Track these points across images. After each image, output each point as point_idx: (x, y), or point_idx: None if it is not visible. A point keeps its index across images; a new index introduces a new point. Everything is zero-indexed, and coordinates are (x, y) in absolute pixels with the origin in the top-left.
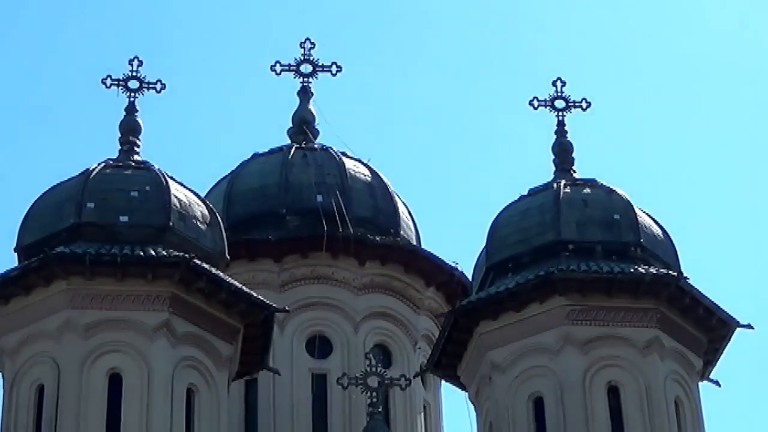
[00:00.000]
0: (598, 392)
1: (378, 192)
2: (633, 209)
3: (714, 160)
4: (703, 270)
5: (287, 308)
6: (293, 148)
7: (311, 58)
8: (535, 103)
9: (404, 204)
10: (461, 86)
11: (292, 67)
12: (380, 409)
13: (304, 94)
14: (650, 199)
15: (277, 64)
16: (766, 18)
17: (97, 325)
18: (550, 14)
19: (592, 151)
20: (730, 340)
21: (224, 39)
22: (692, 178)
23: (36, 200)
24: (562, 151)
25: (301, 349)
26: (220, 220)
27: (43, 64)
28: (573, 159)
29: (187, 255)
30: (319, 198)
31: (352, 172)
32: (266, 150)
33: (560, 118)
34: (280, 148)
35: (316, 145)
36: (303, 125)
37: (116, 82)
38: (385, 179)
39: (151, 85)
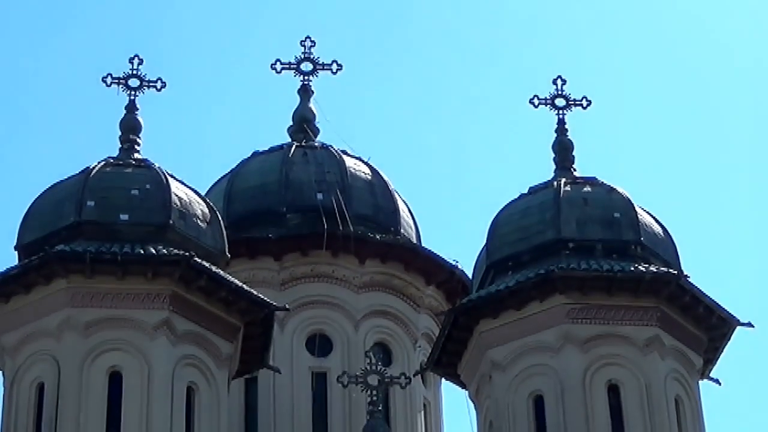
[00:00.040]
0: (599, 391)
1: (378, 190)
2: (633, 207)
3: (714, 159)
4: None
5: (287, 306)
6: (293, 147)
7: (311, 57)
8: (536, 101)
9: (404, 202)
10: (461, 84)
11: (292, 66)
12: (380, 408)
13: (305, 92)
14: (650, 197)
15: (278, 62)
16: (767, 17)
17: (98, 323)
18: (551, 13)
19: (592, 150)
20: (730, 338)
21: (225, 37)
22: (692, 176)
23: (36, 198)
24: (563, 150)
25: (302, 348)
26: (220, 218)
27: (44, 62)
28: (573, 157)
29: (187, 253)
30: (320, 196)
31: (353, 171)
32: (266, 148)
33: (560, 116)
34: (281, 147)
35: (316, 144)
36: (303, 123)
37: (117, 81)
38: (385, 177)
39: (151, 84)
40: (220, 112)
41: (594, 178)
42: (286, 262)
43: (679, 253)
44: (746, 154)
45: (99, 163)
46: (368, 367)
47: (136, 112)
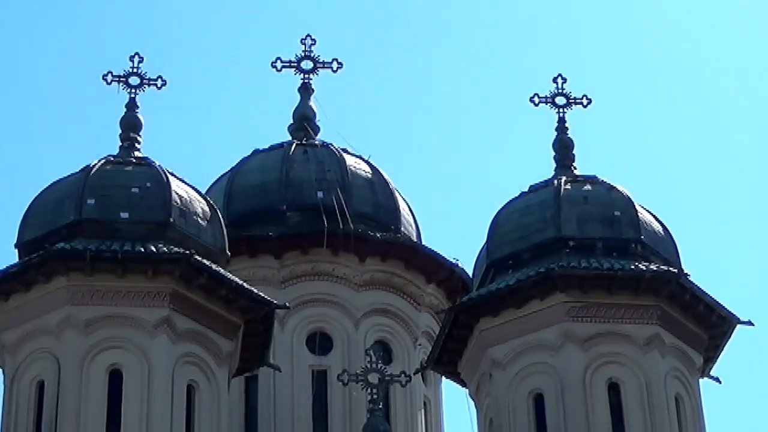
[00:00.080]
0: (599, 389)
1: (378, 188)
2: (633, 206)
3: (714, 157)
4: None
5: (288, 305)
6: (294, 145)
7: (312, 55)
8: (536, 99)
9: (405, 200)
10: (462, 83)
11: (292, 64)
12: (380, 406)
13: (305, 90)
14: (651, 195)
15: (278, 61)
16: (767, 15)
17: (98, 321)
18: (551, 11)
19: (592, 148)
20: (730, 336)
21: (225, 35)
22: (693, 174)
23: (36, 196)
24: (563, 148)
25: (302, 346)
26: (220, 216)
27: (44, 60)
28: (573, 156)
29: (187, 251)
30: (320, 194)
31: (353, 169)
32: (267, 146)
33: (561, 114)
34: (281, 145)
35: (316, 142)
36: (304, 122)
37: (117, 79)
38: (385, 175)
39: (151, 82)
40: (221, 111)
41: (594, 177)
42: (287, 261)
43: (679, 252)
44: (746, 153)
45: (99, 161)
46: (368, 366)
47: (137, 110)
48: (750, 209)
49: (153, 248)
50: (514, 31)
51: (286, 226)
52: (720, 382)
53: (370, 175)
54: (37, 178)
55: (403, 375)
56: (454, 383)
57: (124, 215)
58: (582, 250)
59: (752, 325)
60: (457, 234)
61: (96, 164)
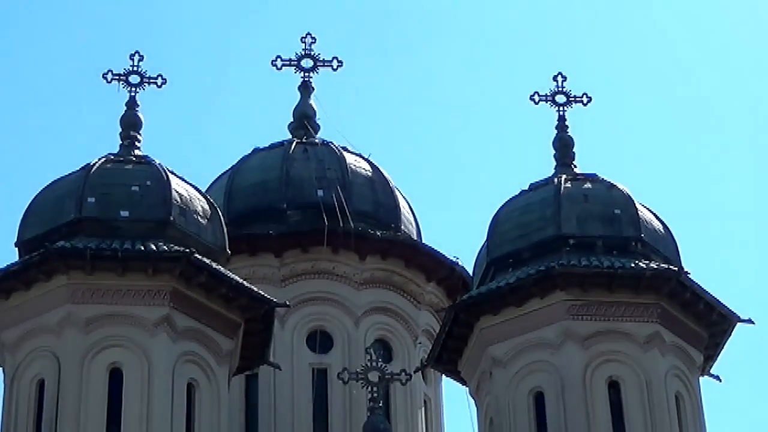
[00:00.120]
0: (599, 387)
1: (379, 187)
2: (634, 204)
3: (715, 155)
4: (703, 265)
5: (288, 303)
6: (294, 143)
7: (312, 53)
8: (536, 98)
9: (405, 199)
10: (462, 81)
11: (292, 62)
12: (381, 404)
13: (305, 88)
14: (651, 193)
15: (278, 59)
16: (767, 14)
17: (98, 319)
18: (551, 9)
19: (592, 146)
20: (730, 335)
21: (225, 34)
22: (693, 172)
23: (37, 195)
24: (563, 146)
25: (302, 344)
26: (220, 214)
27: (45, 59)
28: (574, 154)
29: (187, 250)
30: (320, 193)
31: (353, 167)
32: (267, 145)
33: (561, 113)
34: (281, 143)
35: (316, 140)
36: (304, 120)
37: (117, 77)
38: (385, 174)
39: (151, 80)
40: (221, 109)
41: (594, 175)
42: (287, 259)
43: (679, 250)
44: (747, 151)
45: (99, 159)
46: (369, 364)
47: (137, 109)
48: (750, 207)
49: (153, 247)
50: (514, 30)
51: (287, 224)
52: (720, 381)
53: (370, 174)
54: (38, 177)
55: (403, 373)
56: (455, 382)
57: (125, 214)
58: (582, 249)
59: (752, 323)
60: (457, 232)
61: (96, 163)
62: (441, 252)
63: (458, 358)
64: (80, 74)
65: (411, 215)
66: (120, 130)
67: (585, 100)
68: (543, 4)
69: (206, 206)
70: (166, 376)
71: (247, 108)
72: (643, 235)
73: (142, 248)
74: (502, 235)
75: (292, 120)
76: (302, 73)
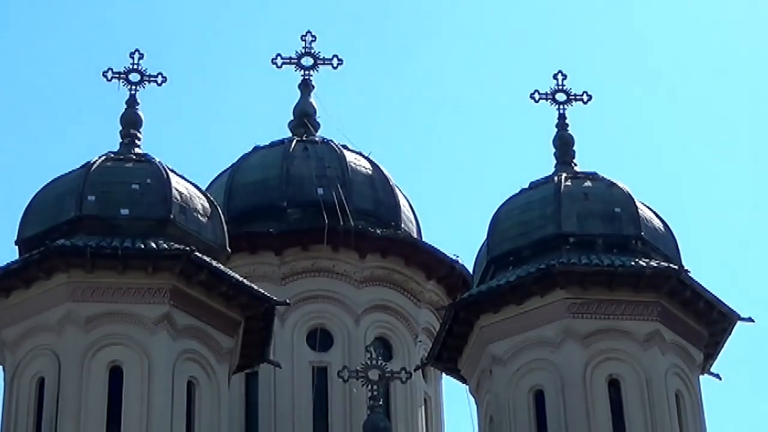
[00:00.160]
0: (599, 385)
1: (379, 185)
2: (634, 202)
3: (715, 153)
4: (704, 263)
5: (288, 301)
6: (294, 141)
7: (312, 51)
8: (536, 96)
9: (405, 197)
10: (462, 79)
11: (293, 60)
12: (381, 402)
13: (305, 87)
14: (651, 192)
15: (278, 57)
16: (767, 12)
17: (98, 317)
18: (551, 7)
19: (593, 145)
20: (731, 333)
21: (225, 32)
22: (693, 170)
23: (37, 193)
24: (563, 145)
25: (302, 342)
26: (220, 212)
27: (45, 56)
28: (574, 152)
29: (187, 248)
30: (320, 191)
31: (353, 165)
32: (267, 143)
33: (561, 111)
34: (281, 141)
35: (317, 138)
36: (304, 118)
37: (117, 75)
38: (385, 172)
39: (152, 78)
40: (221, 107)
41: (594, 173)
42: (287, 257)
43: (679, 248)
44: (747, 149)
45: (99, 157)
46: (369, 362)
47: (137, 107)
48: (750, 206)
49: (153, 245)
50: (515, 28)
51: (287, 222)
52: (720, 379)
53: (370, 172)
54: (38, 175)
55: (403, 371)
56: (455, 380)
57: (125, 212)
58: (582, 247)
59: (752, 321)
60: (458, 230)
61: (96, 161)
62: (441, 250)
63: (458, 356)
64: (80, 72)
65: (411, 213)
66: (120, 128)
67: (585, 98)
68: (543, 2)
69: (206, 204)
70: (166, 374)
71: (247, 106)
72: (643, 233)
73: (143, 246)
74: (502, 233)
75: (292, 118)
76: (302, 72)
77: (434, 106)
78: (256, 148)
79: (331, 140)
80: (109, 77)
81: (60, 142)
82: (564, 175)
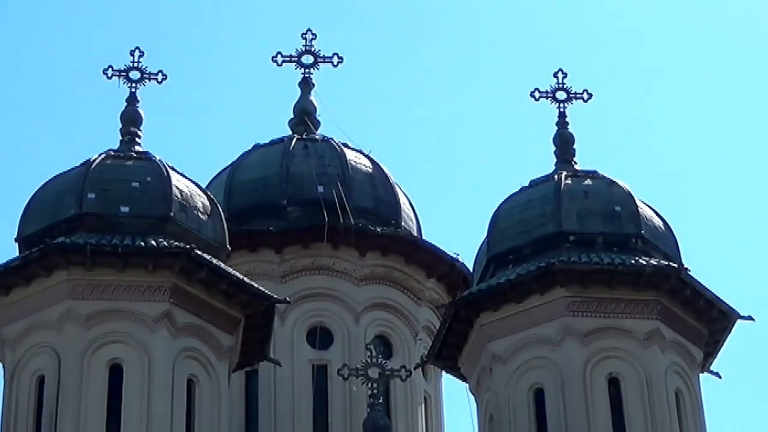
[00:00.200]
0: (599, 384)
1: (379, 183)
2: (634, 201)
3: (715, 152)
4: (704, 261)
5: (288, 299)
6: (294, 139)
7: (312, 49)
8: (537, 94)
9: (405, 195)
10: (462, 77)
11: (293, 58)
12: (381, 401)
13: (306, 85)
14: (651, 190)
15: (279, 55)
16: (766, 10)
17: (98, 315)
18: (552, 5)
19: (593, 143)
20: (730, 331)
21: (225, 30)
22: (693, 169)
23: (37, 190)
24: (563, 143)
25: (302, 340)
26: (221, 210)
27: (45, 54)
28: (574, 150)
29: (188, 246)
30: (320, 189)
31: (353, 163)
32: (267, 141)
33: (561, 109)
34: (281, 139)
35: (317, 136)
36: (304, 116)
37: (117, 73)
38: (386, 170)
39: (152, 76)
40: (221, 105)
41: (595, 172)
42: (287, 255)
43: (679, 247)
44: (747, 148)
45: (100, 155)
46: (369, 360)
47: (137, 105)
48: (750, 204)
49: (153, 242)
50: (515, 26)
51: (287, 220)
52: (720, 377)
53: (370, 170)
54: (38, 173)
55: (403, 370)
56: (455, 378)
57: (125, 209)
58: (582, 245)
59: (752, 320)
60: (458, 229)
61: (96, 158)
62: (441, 248)
63: (458, 354)
64: (81, 70)
65: (411, 211)
66: (120, 126)
67: (585, 96)
68: (544, 1)
69: (206, 202)
70: (166, 372)
71: (247, 104)
72: (643, 231)
73: (143, 244)
74: (502, 231)
75: (292, 116)
76: (303, 70)
77: (434, 104)
78: (256, 146)
79: (331, 138)
80: (110, 75)
81: (60, 140)
82: (564, 173)
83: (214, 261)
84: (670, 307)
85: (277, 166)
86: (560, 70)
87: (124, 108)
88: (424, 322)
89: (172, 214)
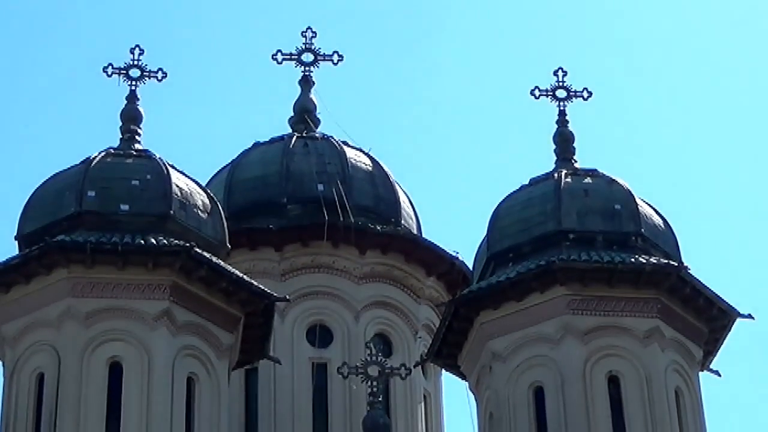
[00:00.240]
0: (599, 382)
1: (379, 181)
2: (634, 199)
3: (715, 150)
4: (703, 260)
5: (288, 297)
6: (294, 137)
7: (312, 47)
8: (537, 92)
9: (405, 193)
10: (462, 75)
11: (293, 56)
12: (380, 399)
13: (306, 83)
14: (651, 188)
15: (279, 53)
16: (767, 11)
17: (98, 313)
18: (552, 4)
19: (593, 141)
20: (730, 330)
21: (226, 28)
22: (693, 167)
23: (37, 188)
24: (563, 141)
25: (302, 338)
26: (220, 208)
27: (45, 52)
28: (574, 149)
29: (187, 244)
30: (320, 187)
31: (353, 161)
32: (267, 139)
33: (561, 107)
34: (281, 137)
35: (317, 134)
36: (304, 114)
37: (117, 71)
38: (386, 168)
39: (152, 74)
40: (221, 103)
41: (595, 170)
42: (287, 253)
43: (679, 245)
44: (747, 146)
45: (100, 153)
46: (368, 358)
47: (137, 103)
48: (750, 203)
49: (153, 241)
50: (515, 24)
51: (287, 218)
52: (720, 376)
53: (370, 168)
54: (38, 170)
55: (403, 368)
56: (454, 376)
57: (125, 207)
58: (582, 243)
59: (752, 318)
60: (458, 227)
61: (96, 156)
62: (441, 246)
63: (458, 352)
64: (81, 68)
65: (411, 210)
66: (120, 123)
67: (585, 94)
68: None
69: (206, 200)
70: (165, 370)
71: (247, 102)
72: (643, 230)
73: (143, 242)
74: (502, 229)
75: (292, 114)
76: (303, 68)
77: (435, 102)
78: (256, 144)
79: (331, 136)
80: (110, 73)
81: (60, 138)
82: (564, 171)
83: (214, 259)
84: (669, 305)
85: (277, 164)
86: (560, 68)
87: (124, 106)
88: (424, 320)
89: (172, 212)
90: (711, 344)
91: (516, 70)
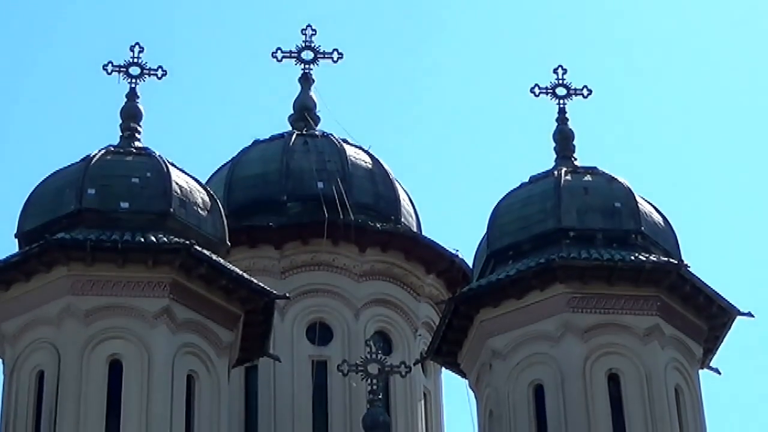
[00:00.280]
0: (599, 380)
1: (379, 179)
2: (634, 197)
3: (715, 148)
4: (703, 258)
5: (288, 295)
6: (294, 135)
7: (312, 45)
8: (537, 90)
9: (405, 191)
10: (462, 73)
11: (293, 54)
12: (380, 396)
13: (306, 80)
14: (651, 186)
15: (279, 51)
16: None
17: (98, 311)
18: (552, 1)
19: (593, 139)
20: (730, 328)
21: (226, 25)
22: (693, 165)
23: (37, 186)
24: (563, 139)
25: (302, 336)
26: (220, 206)
27: (45, 50)
28: (574, 146)
29: (187, 241)
30: (320, 185)
31: (353, 159)
32: (267, 137)
33: (561, 105)
34: (281, 135)
35: (317, 132)
36: (304, 112)
37: (117, 68)
38: (386, 166)
39: (152, 72)
40: (221, 101)
41: (594, 168)
42: (287, 251)
43: (679, 243)
44: (747, 144)
45: (99, 151)
46: (368, 356)
47: (137, 100)
48: (750, 201)
49: (153, 238)
50: (515, 22)
51: (287, 216)
52: (720, 374)
53: (370, 166)
54: (38, 168)
55: (402, 366)
56: (454, 374)
57: (125, 205)
58: (582, 241)
59: (752, 316)
60: (458, 225)
61: (96, 154)
62: (441, 244)
63: (458, 350)
64: (81, 65)
65: (411, 207)
66: (120, 121)
67: (585, 92)
68: None
69: (206, 198)
70: (165, 367)
71: (247, 100)
72: (643, 228)
73: (142, 240)
74: (502, 227)
75: (292, 112)
76: (303, 65)
77: (434, 100)
78: (256, 142)
79: (331, 134)
80: (110, 70)
81: (60, 136)
82: (564, 169)
83: (214, 257)
84: (669, 303)
85: (277, 162)
86: (560, 66)
87: (124, 104)
88: (424, 318)
89: (171, 209)
90: (711, 342)
91: (516, 67)
